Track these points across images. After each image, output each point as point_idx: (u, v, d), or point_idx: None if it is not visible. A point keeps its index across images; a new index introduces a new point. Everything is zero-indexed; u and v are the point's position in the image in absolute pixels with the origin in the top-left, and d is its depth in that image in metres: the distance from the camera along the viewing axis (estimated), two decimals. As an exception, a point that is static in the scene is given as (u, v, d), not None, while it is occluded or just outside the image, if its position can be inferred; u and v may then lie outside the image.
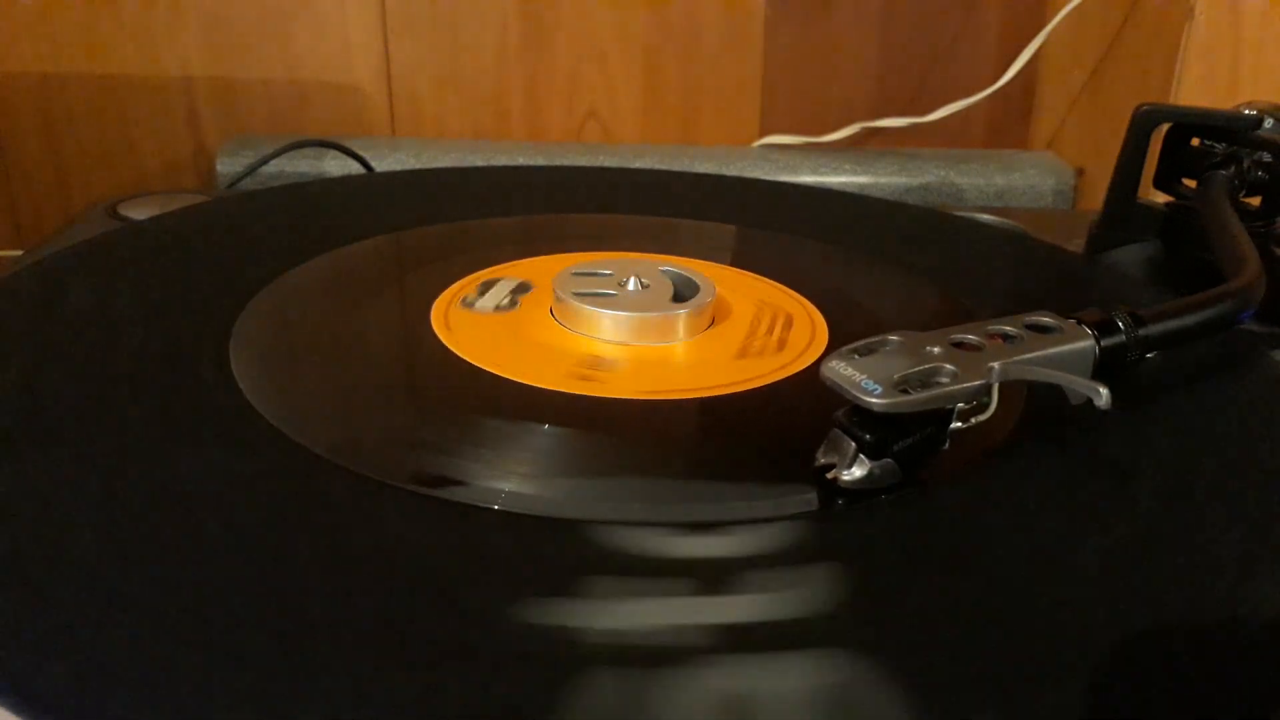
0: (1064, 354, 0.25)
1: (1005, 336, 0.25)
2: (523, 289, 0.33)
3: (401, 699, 0.17)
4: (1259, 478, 0.25)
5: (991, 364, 0.24)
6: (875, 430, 0.23)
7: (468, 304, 0.31)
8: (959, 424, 0.24)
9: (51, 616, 0.18)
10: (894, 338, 0.24)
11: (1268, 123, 0.40)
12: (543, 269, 0.36)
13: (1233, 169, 0.40)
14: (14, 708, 0.16)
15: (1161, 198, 0.43)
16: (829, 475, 0.23)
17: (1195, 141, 0.42)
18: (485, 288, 0.32)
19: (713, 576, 0.21)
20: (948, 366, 0.23)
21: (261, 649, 0.17)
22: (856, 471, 0.23)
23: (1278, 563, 0.22)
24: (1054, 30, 0.64)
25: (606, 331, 0.31)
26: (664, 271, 0.33)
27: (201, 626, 0.18)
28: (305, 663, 0.17)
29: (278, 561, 0.20)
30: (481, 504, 0.22)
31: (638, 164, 0.64)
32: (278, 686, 0.17)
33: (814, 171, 0.66)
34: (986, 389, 0.24)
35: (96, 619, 0.18)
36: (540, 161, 0.65)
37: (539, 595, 0.20)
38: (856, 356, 0.24)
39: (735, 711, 0.17)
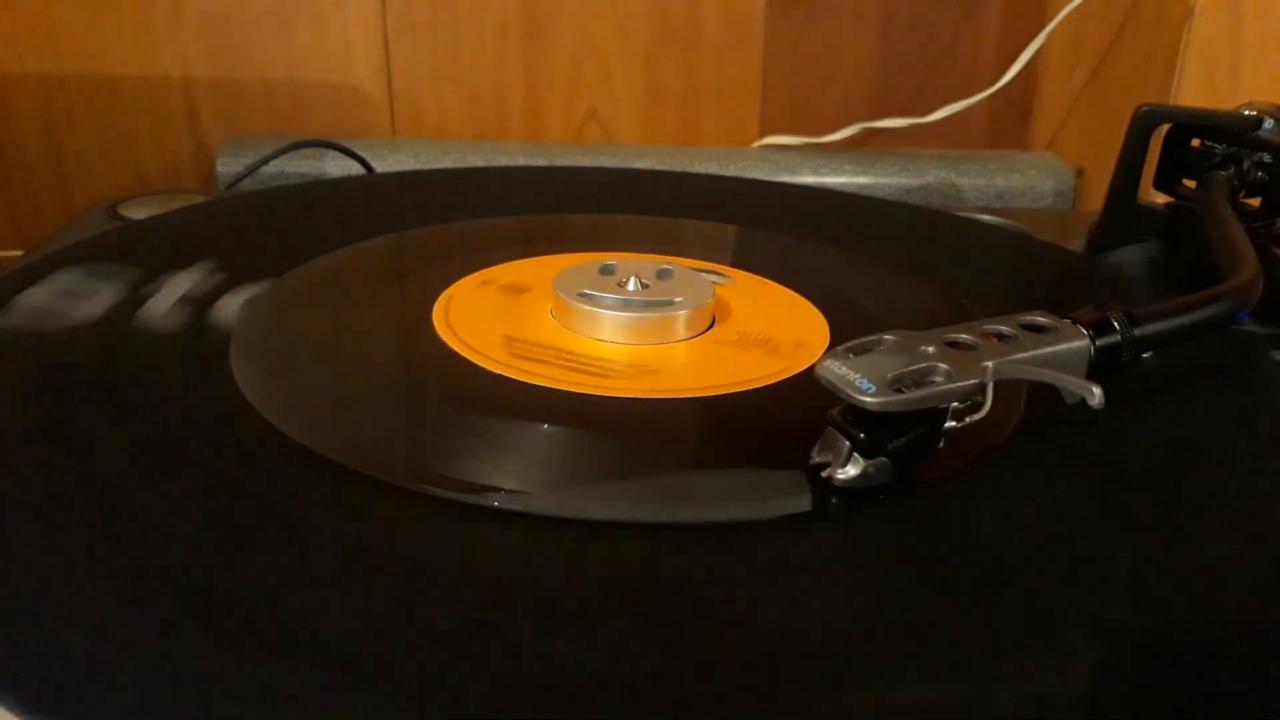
0: (1059, 353, 0.25)
1: (1000, 336, 0.25)
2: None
3: (402, 697, 0.17)
4: (1258, 477, 0.25)
5: (986, 363, 0.24)
6: (870, 429, 0.23)
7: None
8: (953, 423, 0.24)
9: (51, 617, 0.18)
10: (889, 337, 0.24)
11: (1268, 123, 0.40)
12: (543, 269, 0.36)
13: (1232, 170, 0.40)
14: (14, 708, 0.16)
15: (1161, 198, 0.43)
16: (823, 474, 0.23)
17: (1195, 142, 0.42)
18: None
19: (710, 576, 0.21)
20: (942, 366, 0.23)
21: (262, 648, 0.18)
22: (851, 470, 0.23)
23: (1276, 563, 0.22)
24: (1054, 30, 0.64)
25: (606, 331, 0.31)
26: (664, 271, 0.33)
27: (202, 627, 0.18)
28: (305, 662, 0.17)
29: (278, 561, 0.20)
30: (480, 503, 0.22)
31: (638, 164, 0.64)
32: (278, 685, 0.17)
33: (814, 172, 0.66)
34: (981, 388, 0.24)
35: (97, 619, 0.18)
36: (540, 161, 0.65)
37: (537, 594, 0.20)
38: (851, 355, 0.24)
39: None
